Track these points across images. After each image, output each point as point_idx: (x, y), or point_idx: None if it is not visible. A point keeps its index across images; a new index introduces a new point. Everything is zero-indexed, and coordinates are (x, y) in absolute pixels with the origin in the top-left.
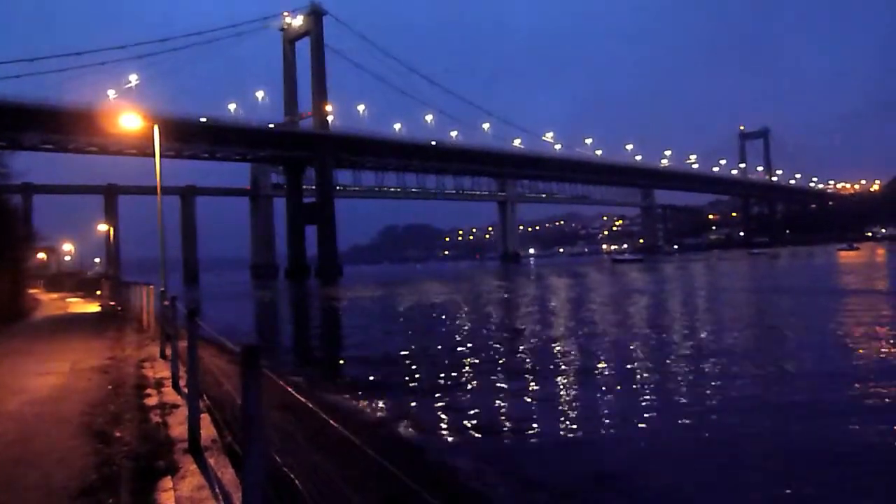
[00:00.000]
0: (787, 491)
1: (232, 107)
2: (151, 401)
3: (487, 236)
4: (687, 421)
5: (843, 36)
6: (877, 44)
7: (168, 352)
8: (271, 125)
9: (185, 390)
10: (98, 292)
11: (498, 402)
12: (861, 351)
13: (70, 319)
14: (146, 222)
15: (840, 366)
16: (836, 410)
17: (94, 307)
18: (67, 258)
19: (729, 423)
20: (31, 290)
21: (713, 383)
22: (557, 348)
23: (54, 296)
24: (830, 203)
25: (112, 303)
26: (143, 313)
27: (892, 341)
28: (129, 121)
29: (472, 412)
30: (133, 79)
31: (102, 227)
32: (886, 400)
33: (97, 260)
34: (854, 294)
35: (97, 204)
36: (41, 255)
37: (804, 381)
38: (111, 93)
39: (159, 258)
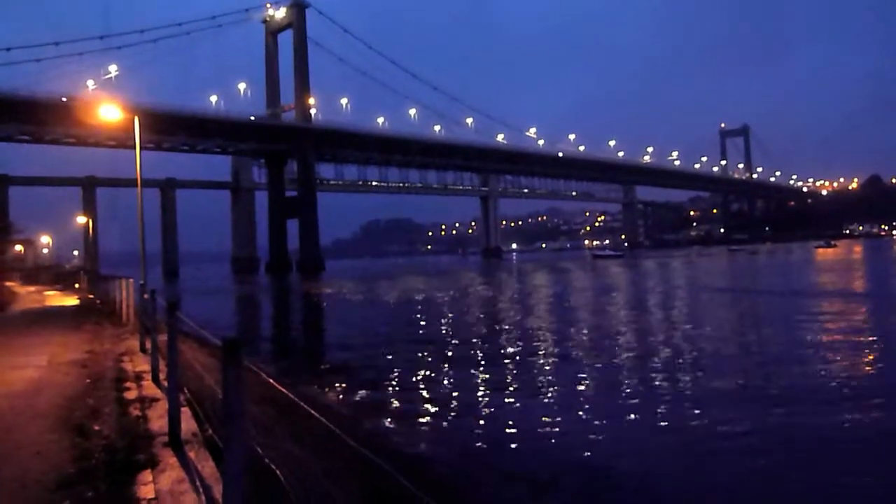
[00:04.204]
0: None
1: (213, 99)
2: (131, 394)
3: (470, 231)
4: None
5: (827, 37)
6: (860, 48)
7: (148, 345)
8: (252, 117)
9: (165, 384)
10: (76, 285)
11: (477, 394)
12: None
13: (48, 313)
14: (125, 215)
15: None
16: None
17: (72, 300)
18: (45, 251)
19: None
20: (8, 283)
21: (678, 376)
22: (534, 342)
23: (31, 289)
24: (809, 201)
25: (91, 296)
26: (122, 307)
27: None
28: (108, 112)
29: (451, 405)
30: (112, 69)
31: (81, 220)
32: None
33: (75, 253)
34: (826, 295)
35: (75, 196)
36: (18, 248)
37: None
38: (90, 83)
39: (139, 251)
